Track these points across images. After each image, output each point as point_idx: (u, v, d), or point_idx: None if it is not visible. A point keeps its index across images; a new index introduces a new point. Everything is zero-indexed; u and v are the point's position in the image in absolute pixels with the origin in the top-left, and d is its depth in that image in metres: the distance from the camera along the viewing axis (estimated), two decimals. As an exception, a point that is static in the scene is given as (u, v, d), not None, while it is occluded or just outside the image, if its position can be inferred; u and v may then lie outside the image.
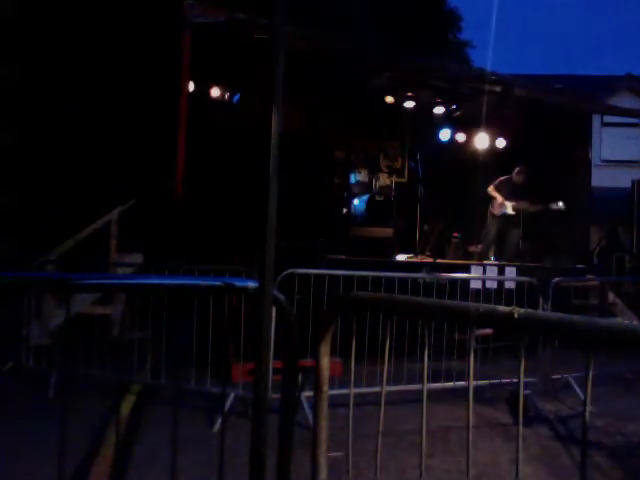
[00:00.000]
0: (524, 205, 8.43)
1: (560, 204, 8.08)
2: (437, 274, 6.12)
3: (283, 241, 5.87)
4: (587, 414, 1.16)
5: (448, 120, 9.20)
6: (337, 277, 4.81)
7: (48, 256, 5.25)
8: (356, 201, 8.53)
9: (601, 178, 13.38)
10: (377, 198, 8.18)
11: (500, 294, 5.98)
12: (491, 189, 8.72)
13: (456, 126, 9.68)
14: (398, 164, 10.97)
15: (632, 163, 16.12)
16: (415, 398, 4.02)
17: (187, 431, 3.57)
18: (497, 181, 8.76)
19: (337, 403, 2.14)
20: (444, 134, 9.67)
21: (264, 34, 5.92)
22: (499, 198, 8.62)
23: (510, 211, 8.54)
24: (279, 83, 1.32)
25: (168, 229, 6.12)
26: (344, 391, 3.11)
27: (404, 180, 10.63)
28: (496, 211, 8.69)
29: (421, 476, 1.58)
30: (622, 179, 12.77)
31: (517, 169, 8.62)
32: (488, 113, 9.07)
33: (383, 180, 9.34)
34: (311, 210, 8.77)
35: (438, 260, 7.80)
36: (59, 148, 8.36)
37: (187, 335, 4.33)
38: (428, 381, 1.58)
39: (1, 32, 8.28)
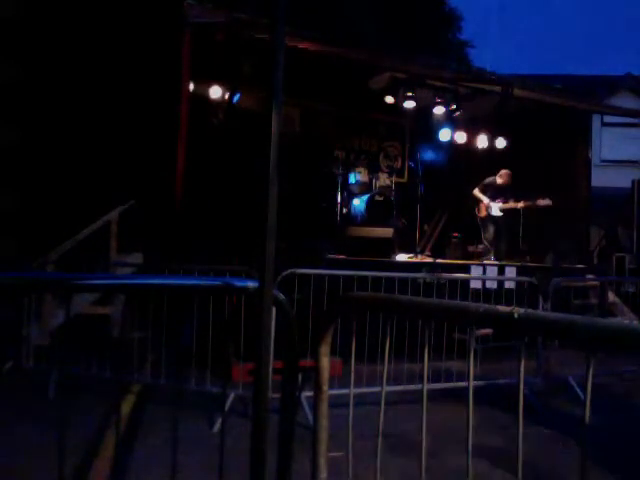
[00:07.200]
0: (511, 205, 8.50)
1: (547, 200, 8.12)
2: (437, 274, 6.12)
3: (283, 241, 5.89)
4: (587, 414, 1.16)
5: (448, 120, 9.21)
6: (337, 277, 4.82)
7: (48, 256, 5.24)
8: (356, 201, 8.52)
9: (601, 178, 13.38)
10: (377, 198, 8.17)
11: (500, 294, 5.99)
12: (476, 192, 8.80)
13: (456, 126, 9.68)
14: (398, 164, 10.99)
15: (632, 163, 16.14)
16: (415, 398, 4.03)
17: (187, 431, 3.58)
18: (482, 183, 8.82)
19: (337, 403, 2.13)
20: (444, 134, 9.68)
21: (264, 34, 5.92)
22: (484, 200, 8.70)
23: (497, 212, 8.60)
24: (279, 83, 1.32)
25: (168, 229, 6.12)
26: (344, 391, 3.11)
27: (404, 180, 10.65)
28: (483, 214, 8.78)
29: (421, 476, 1.58)
30: (622, 179, 12.80)
31: (501, 172, 8.66)
32: (488, 113, 9.09)
33: (383, 180, 9.33)
34: (311, 210, 8.78)
35: (438, 260, 7.80)
36: (59, 148, 8.36)
37: (187, 335, 4.34)
38: (428, 381, 1.58)
39: (1, 32, 8.28)
